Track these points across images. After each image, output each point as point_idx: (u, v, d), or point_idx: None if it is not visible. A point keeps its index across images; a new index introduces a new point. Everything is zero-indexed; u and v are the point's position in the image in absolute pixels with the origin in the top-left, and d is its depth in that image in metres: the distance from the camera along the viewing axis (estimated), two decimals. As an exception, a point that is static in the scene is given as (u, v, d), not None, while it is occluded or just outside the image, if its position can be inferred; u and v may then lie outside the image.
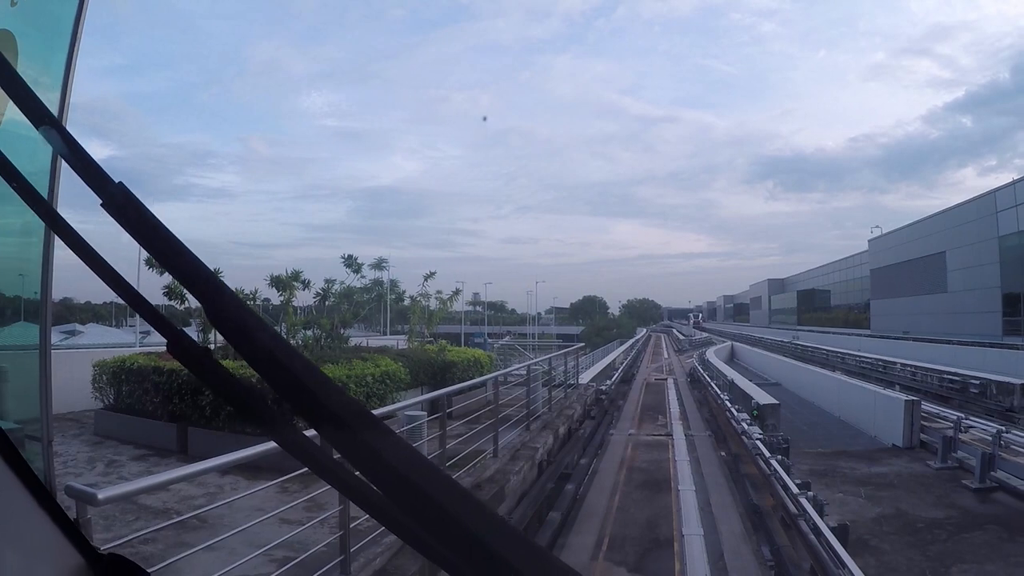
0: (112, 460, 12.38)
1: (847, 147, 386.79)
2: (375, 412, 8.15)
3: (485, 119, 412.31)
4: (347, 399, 1.11)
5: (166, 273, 15.51)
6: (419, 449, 8.37)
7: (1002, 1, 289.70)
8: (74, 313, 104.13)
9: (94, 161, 1.18)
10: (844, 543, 10.78)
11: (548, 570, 1.06)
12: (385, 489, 1.08)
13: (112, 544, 4.32)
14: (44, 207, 1.27)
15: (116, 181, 1.16)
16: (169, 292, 16.22)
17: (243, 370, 1.66)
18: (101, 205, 1.15)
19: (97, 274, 1.24)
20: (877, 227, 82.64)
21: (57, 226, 1.26)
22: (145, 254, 16.26)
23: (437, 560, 1.11)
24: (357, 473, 1.14)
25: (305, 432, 1.31)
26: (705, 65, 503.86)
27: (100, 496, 3.69)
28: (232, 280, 17.29)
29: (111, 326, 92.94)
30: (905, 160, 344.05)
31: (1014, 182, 49.66)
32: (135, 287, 1.25)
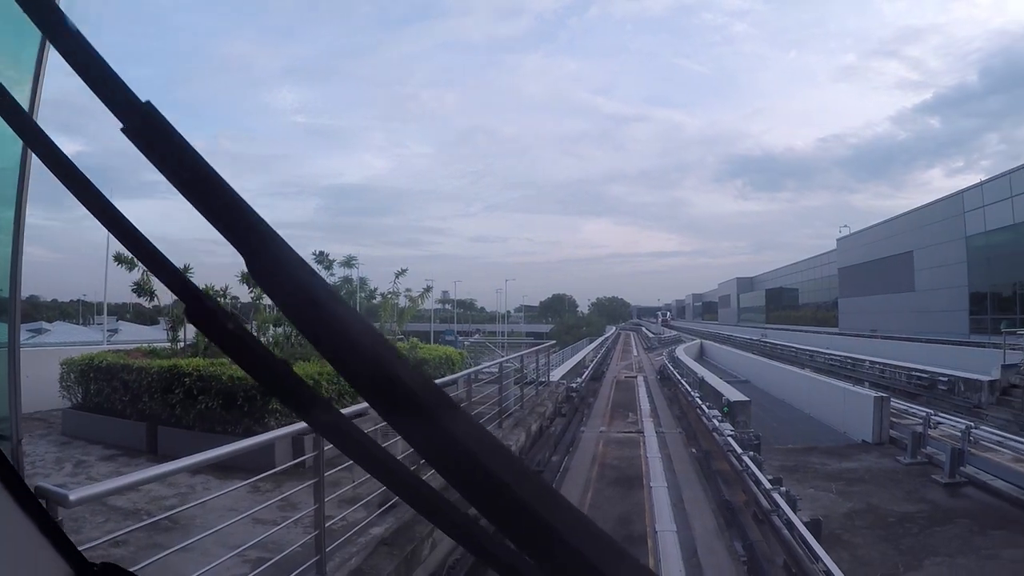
0: (80, 460, 12.18)
1: (816, 147, 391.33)
2: (346, 410, 8.03)
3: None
4: (418, 375, 0.93)
5: (136, 269, 15.34)
6: (392, 448, 8.26)
7: (972, 5, 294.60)
8: (41, 311, 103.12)
9: (116, 75, 0.97)
10: (817, 538, 10.81)
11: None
12: (458, 482, 0.92)
13: (83, 548, 4.22)
14: (50, 150, 1.10)
15: (143, 100, 0.97)
16: (138, 288, 16.00)
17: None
18: (122, 130, 0.95)
19: (110, 229, 1.04)
20: (845, 226, 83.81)
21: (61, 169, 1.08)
22: (112, 250, 15.97)
23: (491, 559, 0.98)
24: (415, 466, 1.04)
25: (344, 413, 1.17)
26: (677, 64, 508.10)
27: (72, 497, 3.62)
28: (201, 277, 17.10)
29: (78, 324, 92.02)
30: (874, 160, 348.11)
31: (982, 183, 50.46)
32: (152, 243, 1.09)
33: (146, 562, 4.47)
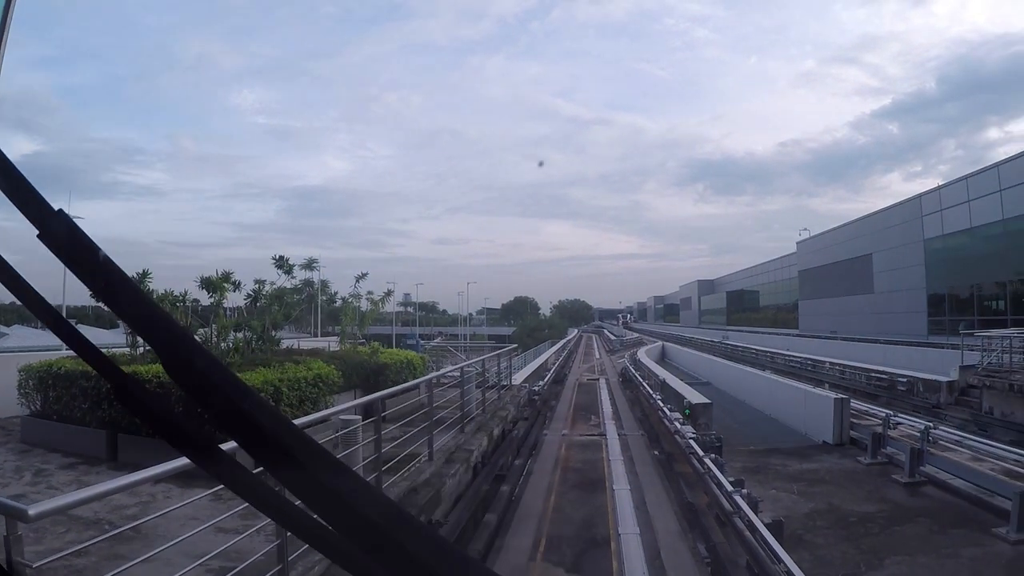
0: (40, 469, 11.94)
1: (776, 151, 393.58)
2: (309, 417, 7.98)
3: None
4: (276, 415, 1.06)
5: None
6: (355, 454, 8.20)
7: (930, 14, 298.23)
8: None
9: (31, 185, 1.04)
10: (779, 538, 10.85)
11: None
12: (317, 510, 1.02)
13: (45, 560, 4.12)
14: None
15: (56, 208, 1.03)
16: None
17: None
18: (38, 236, 1.01)
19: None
20: (805, 229, 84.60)
21: None
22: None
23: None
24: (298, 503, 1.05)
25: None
26: (638, 69, 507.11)
27: (31, 512, 3.52)
28: (161, 281, 16.84)
29: (37, 328, 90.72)
30: (833, 165, 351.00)
31: (939, 187, 51.41)
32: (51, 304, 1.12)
33: (109, 573, 4.40)
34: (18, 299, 1.08)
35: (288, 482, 1.01)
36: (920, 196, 53.89)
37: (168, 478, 9.22)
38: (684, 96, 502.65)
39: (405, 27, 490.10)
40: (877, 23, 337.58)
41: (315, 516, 1.02)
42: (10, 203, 1.01)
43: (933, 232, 51.21)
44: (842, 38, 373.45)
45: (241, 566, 5.98)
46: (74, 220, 1.03)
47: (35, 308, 1.09)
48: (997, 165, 44.21)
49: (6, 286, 1.08)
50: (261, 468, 1.06)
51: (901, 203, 57.72)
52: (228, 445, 1.19)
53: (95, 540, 5.07)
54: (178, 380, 1.05)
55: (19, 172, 1.03)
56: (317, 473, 1.00)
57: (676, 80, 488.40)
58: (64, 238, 1.02)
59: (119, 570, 4.46)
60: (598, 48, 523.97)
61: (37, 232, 1.01)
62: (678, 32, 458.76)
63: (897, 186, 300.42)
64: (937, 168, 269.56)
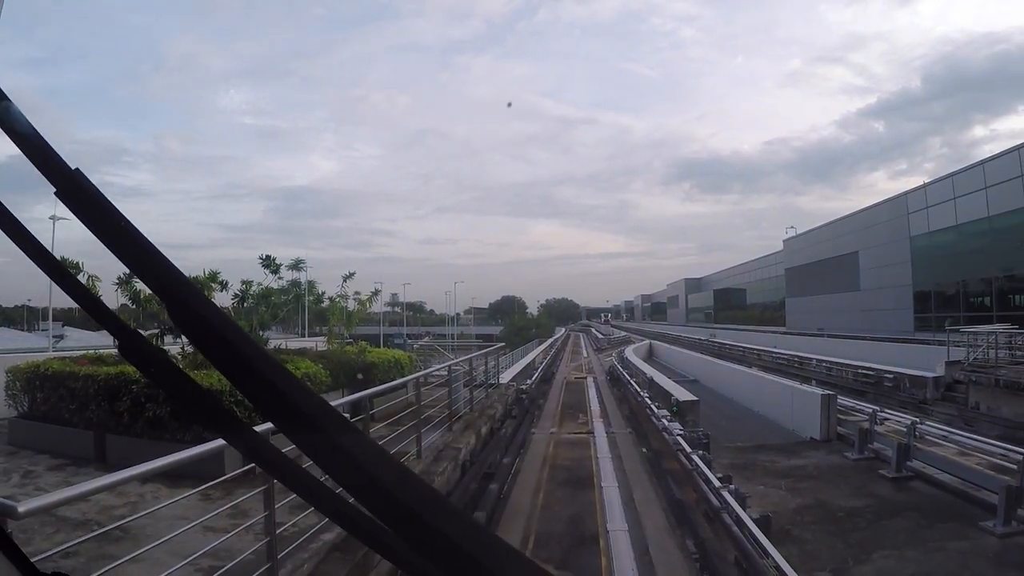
0: (28, 471, 11.85)
1: (763, 150, 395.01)
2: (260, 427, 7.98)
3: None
4: (316, 398, 1.08)
5: (82, 275, 15.09)
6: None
7: (915, 14, 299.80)
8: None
9: (49, 145, 1.09)
10: (767, 534, 10.86)
11: (523, 572, 1.04)
12: (355, 493, 1.04)
13: (35, 559, 4.10)
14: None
15: (72, 167, 1.09)
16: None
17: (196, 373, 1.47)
18: (55, 194, 1.08)
19: (41, 267, 1.14)
20: (792, 227, 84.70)
21: None
22: (58, 254, 15.79)
23: (406, 566, 1.05)
24: (324, 478, 1.08)
25: (267, 436, 1.23)
26: (625, 68, 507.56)
27: (21, 509, 3.46)
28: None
29: (23, 330, 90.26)
30: (819, 163, 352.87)
31: (924, 185, 51.57)
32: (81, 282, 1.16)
33: (98, 572, 4.35)
34: (20, 248, 1.11)
35: (303, 445, 1.04)
36: (906, 194, 54.19)
37: (156, 478, 9.24)
38: (671, 95, 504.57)
39: (392, 27, 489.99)
40: (863, 22, 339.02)
41: (341, 490, 1.07)
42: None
43: (919, 229, 51.46)
44: (828, 38, 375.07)
45: (230, 564, 5.95)
46: (90, 180, 1.09)
47: (37, 258, 1.12)
48: (982, 163, 44.38)
49: (7, 234, 1.12)
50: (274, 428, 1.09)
51: (887, 201, 58.02)
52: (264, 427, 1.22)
53: (84, 539, 5.05)
54: (191, 337, 1.11)
55: (36, 132, 1.08)
56: (329, 433, 1.04)
57: (663, 80, 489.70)
58: (80, 196, 1.07)
59: (107, 568, 4.43)
60: (585, 48, 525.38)
61: (54, 190, 1.07)
62: (665, 32, 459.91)
63: (883, 184, 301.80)
64: (922, 166, 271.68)
